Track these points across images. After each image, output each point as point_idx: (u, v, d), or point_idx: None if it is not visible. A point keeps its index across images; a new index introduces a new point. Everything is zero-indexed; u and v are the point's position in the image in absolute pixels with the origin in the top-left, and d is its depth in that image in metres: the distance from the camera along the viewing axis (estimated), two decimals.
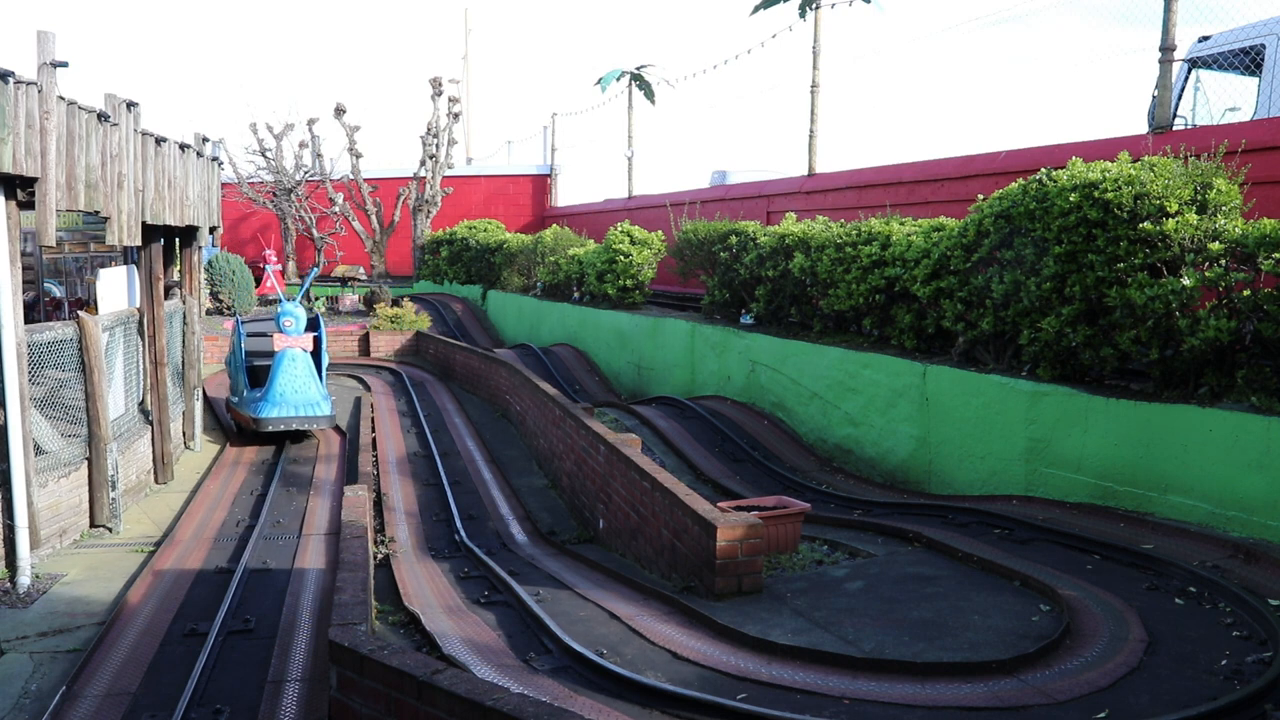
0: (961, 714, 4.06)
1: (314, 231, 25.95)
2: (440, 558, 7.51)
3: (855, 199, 14.24)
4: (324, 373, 11.77)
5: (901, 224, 9.85)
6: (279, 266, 26.52)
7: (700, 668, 4.66)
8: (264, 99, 44.52)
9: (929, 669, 4.49)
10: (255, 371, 11.66)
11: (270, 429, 10.72)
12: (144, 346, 9.51)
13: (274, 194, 26.91)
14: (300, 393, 10.86)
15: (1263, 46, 9.97)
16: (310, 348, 11.26)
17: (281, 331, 11.12)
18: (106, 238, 7.97)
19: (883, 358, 9.20)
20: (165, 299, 9.93)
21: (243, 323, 12.43)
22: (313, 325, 12.01)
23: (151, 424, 9.41)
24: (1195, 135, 8.82)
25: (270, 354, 11.48)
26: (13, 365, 6.67)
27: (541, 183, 29.83)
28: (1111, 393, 7.02)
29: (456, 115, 25.54)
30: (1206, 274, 6.45)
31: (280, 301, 11.40)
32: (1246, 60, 10.23)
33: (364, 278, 25.91)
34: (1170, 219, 6.63)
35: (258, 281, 24.86)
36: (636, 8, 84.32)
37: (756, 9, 17.84)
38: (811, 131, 15.98)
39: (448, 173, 26.50)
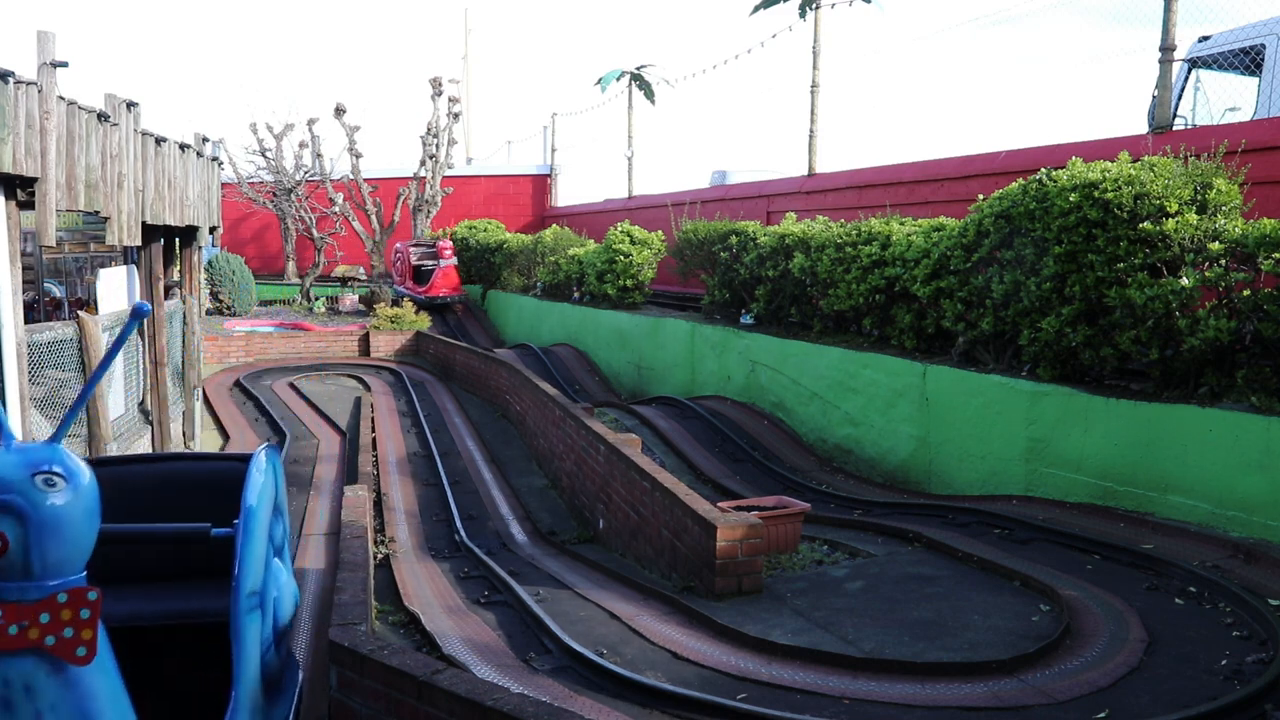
0: (961, 714, 4.07)
1: (314, 231, 25.92)
2: (440, 558, 7.51)
3: (855, 199, 14.23)
4: (269, 646, 3.45)
5: (901, 224, 9.84)
6: (453, 260, 21.71)
7: (700, 668, 4.66)
8: (264, 99, 44.29)
9: (929, 669, 4.49)
10: None
11: None
12: (144, 346, 9.52)
13: (274, 194, 26.90)
14: None
15: (1263, 46, 9.97)
16: (89, 653, 2.41)
17: None
18: (106, 238, 7.97)
19: (883, 358, 9.20)
20: (165, 299, 9.94)
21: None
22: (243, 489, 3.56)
23: (151, 424, 9.41)
24: (1195, 135, 8.82)
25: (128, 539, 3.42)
26: (13, 365, 6.66)
27: (541, 183, 29.81)
28: (1111, 393, 7.02)
29: (456, 115, 25.52)
30: (1206, 274, 6.45)
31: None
32: (1246, 60, 10.22)
33: (364, 278, 25.90)
34: (1170, 219, 6.63)
35: (256, 278, 24.67)
36: (636, 8, 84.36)
37: (756, 9, 17.82)
38: (811, 131, 15.97)
39: (448, 173, 26.47)
